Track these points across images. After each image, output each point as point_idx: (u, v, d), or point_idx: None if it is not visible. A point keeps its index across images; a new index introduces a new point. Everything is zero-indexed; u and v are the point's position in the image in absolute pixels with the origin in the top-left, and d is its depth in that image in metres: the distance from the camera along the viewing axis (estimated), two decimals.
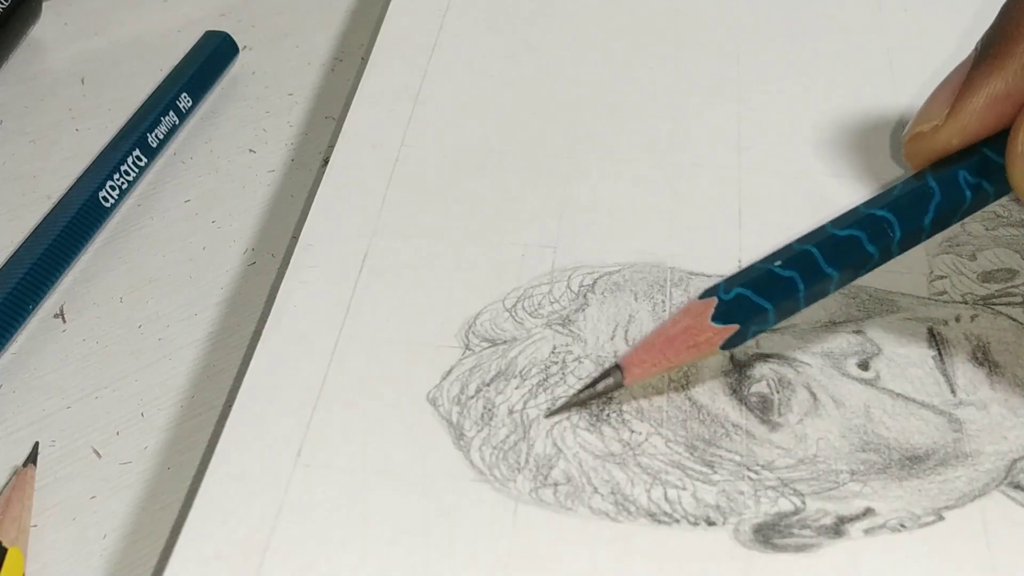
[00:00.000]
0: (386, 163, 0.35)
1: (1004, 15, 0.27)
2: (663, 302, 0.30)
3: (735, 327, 0.26)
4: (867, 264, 0.26)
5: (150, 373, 0.32)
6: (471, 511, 0.26)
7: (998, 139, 0.26)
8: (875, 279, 0.31)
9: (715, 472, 0.26)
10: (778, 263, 0.26)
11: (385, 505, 0.26)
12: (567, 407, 0.27)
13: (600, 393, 0.27)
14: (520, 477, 0.26)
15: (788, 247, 0.27)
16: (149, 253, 0.36)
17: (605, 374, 0.27)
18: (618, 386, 0.27)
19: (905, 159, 0.28)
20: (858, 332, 0.29)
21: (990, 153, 0.26)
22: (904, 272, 0.31)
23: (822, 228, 0.27)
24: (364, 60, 0.40)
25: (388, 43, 0.40)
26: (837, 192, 0.34)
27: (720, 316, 0.26)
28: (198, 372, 0.32)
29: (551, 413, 0.27)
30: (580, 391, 0.27)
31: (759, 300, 0.26)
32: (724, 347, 0.26)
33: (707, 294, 0.26)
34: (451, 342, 0.29)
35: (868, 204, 0.27)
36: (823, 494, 0.26)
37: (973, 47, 0.27)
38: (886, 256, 0.27)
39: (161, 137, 0.39)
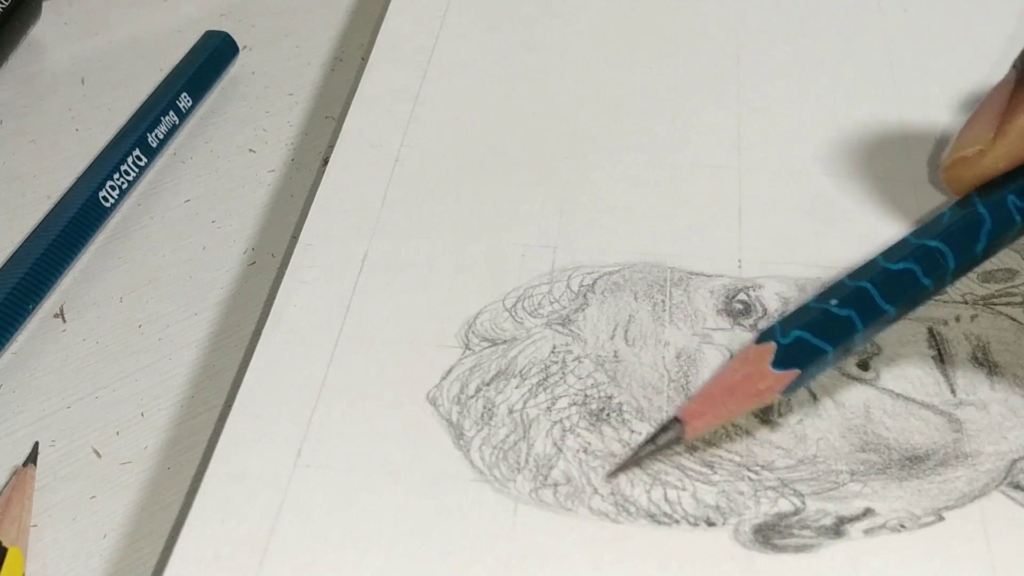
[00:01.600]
0: (386, 163, 0.35)
1: None
2: (663, 302, 0.30)
3: (796, 372, 0.25)
4: (922, 297, 0.26)
5: (150, 373, 0.32)
6: (471, 511, 0.26)
7: None
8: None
9: (715, 472, 0.26)
10: (834, 302, 0.25)
11: (385, 505, 0.26)
12: (627, 466, 0.26)
13: (660, 448, 0.26)
14: (520, 477, 0.26)
15: (840, 284, 0.26)
16: (149, 253, 0.36)
17: (664, 427, 0.25)
18: (678, 440, 0.25)
19: (945, 184, 0.27)
20: None
21: None
22: None
23: (874, 262, 0.26)
24: (364, 60, 0.40)
25: (388, 43, 0.40)
26: (837, 192, 0.34)
27: (780, 361, 0.25)
28: (198, 372, 0.32)
29: (611, 473, 0.26)
30: (640, 447, 0.26)
31: (819, 342, 0.25)
32: (785, 393, 0.25)
33: (764, 338, 0.25)
34: (451, 342, 0.29)
35: (918, 234, 0.26)
36: (823, 494, 0.26)
37: (1011, 65, 0.26)
38: (940, 286, 0.26)
39: (161, 137, 0.39)
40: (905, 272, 0.25)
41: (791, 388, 0.25)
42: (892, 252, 0.26)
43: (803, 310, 0.26)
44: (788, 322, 0.25)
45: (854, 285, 0.25)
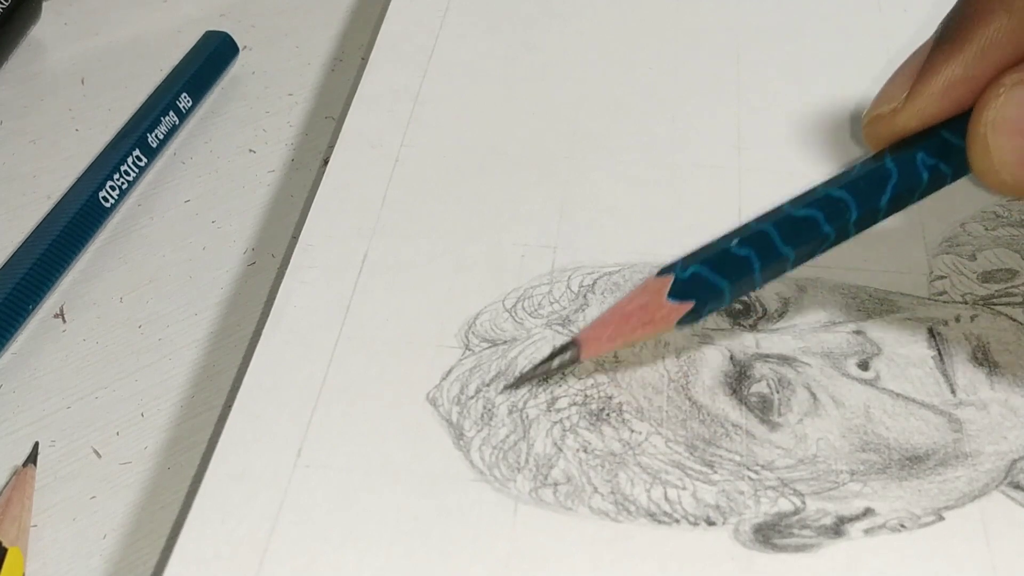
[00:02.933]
0: (386, 163, 0.35)
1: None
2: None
3: (691, 304, 0.26)
4: (824, 244, 0.27)
5: (150, 373, 0.32)
6: (471, 511, 0.26)
7: (956, 121, 0.26)
8: (875, 279, 0.31)
9: (715, 472, 0.26)
10: (735, 241, 0.26)
11: (385, 505, 0.26)
12: (523, 381, 0.28)
13: (556, 368, 0.27)
14: (520, 477, 0.26)
15: (746, 226, 0.27)
16: (149, 253, 0.36)
17: (562, 349, 0.26)
18: (574, 361, 0.27)
19: (864, 140, 0.28)
20: (858, 332, 0.29)
21: (948, 135, 0.26)
22: (904, 272, 0.31)
23: (780, 208, 0.27)
24: (364, 60, 0.40)
25: (388, 43, 0.40)
26: None
27: (676, 293, 0.26)
28: (198, 372, 0.32)
29: (507, 387, 0.28)
30: (536, 365, 0.27)
31: (715, 278, 0.26)
32: (680, 324, 0.26)
33: (664, 272, 0.26)
34: (451, 342, 0.29)
35: (826, 184, 0.27)
36: (823, 494, 0.26)
37: (935, 30, 0.27)
38: (842, 236, 0.27)
39: (161, 137, 0.39)
40: (807, 219, 0.26)
41: (686, 320, 0.26)
42: (798, 199, 0.27)
43: (706, 247, 0.26)
44: (689, 258, 0.26)
45: (757, 227, 0.26)
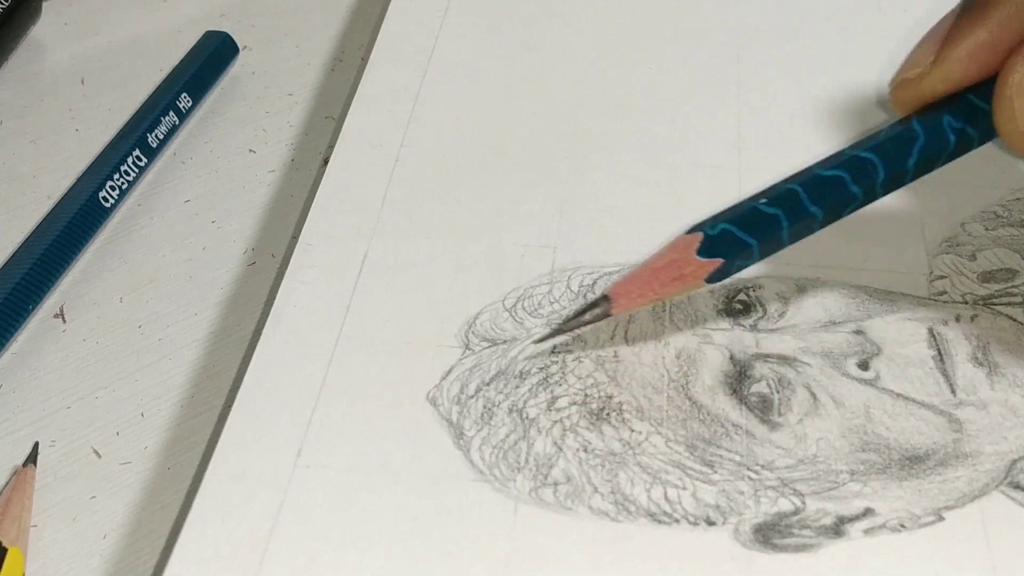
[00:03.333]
0: (386, 163, 0.35)
1: None
2: (663, 302, 0.30)
3: (719, 261, 0.26)
4: (851, 204, 0.27)
5: (150, 373, 0.32)
6: (471, 511, 0.26)
7: (983, 86, 0.27)
8: (875, 279, 0.31)
9: (715, 472, 0.26)
10: (764, 201, 0.27)
11: (385, 505, 0.26)
12: (555, 334, 0.28)
13: (588, 322, 0.27)
14: (520, 477, 0.26)
15: (774, 186, 0.27)
16: (149, 253, 0.36)
17: (593, 304, 0.27)
18: (605, 315, 0.27)
19: (891, 104, 0.28)
20: (858, 332, 0.29)
21: (975, 99, 0.27)
22: (904, 272, 0.31)
23: (808, 168, 0.27)
24: (364, 60, 0.40)
25: (388, 43, 0.40)
26: None
27: (705, 250, 0.26)
28: (198, 372, 0.32)
29: (539, 340, 0.28)
30: (568, 319, 0.27)
31: (744, 236, 0.26)
32: (709, 280, 0.26)
33: (694, 229, 0.26)
34: (451, 342, 0.29)
35: (854, 146, 0.27)
36: (823, 494, 0.26)
37: None
38: (870, 196, 0.27)
39: (161, 137, 0.39)
40: (835, 178, 0.27)
41: (716, 276, 0.26)
42: (826, 161, 0.27)
43: (735, 206, 0.27)
44: (719, 216, 0.27)
45: (785, 187, 0.27)
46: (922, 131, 0.27)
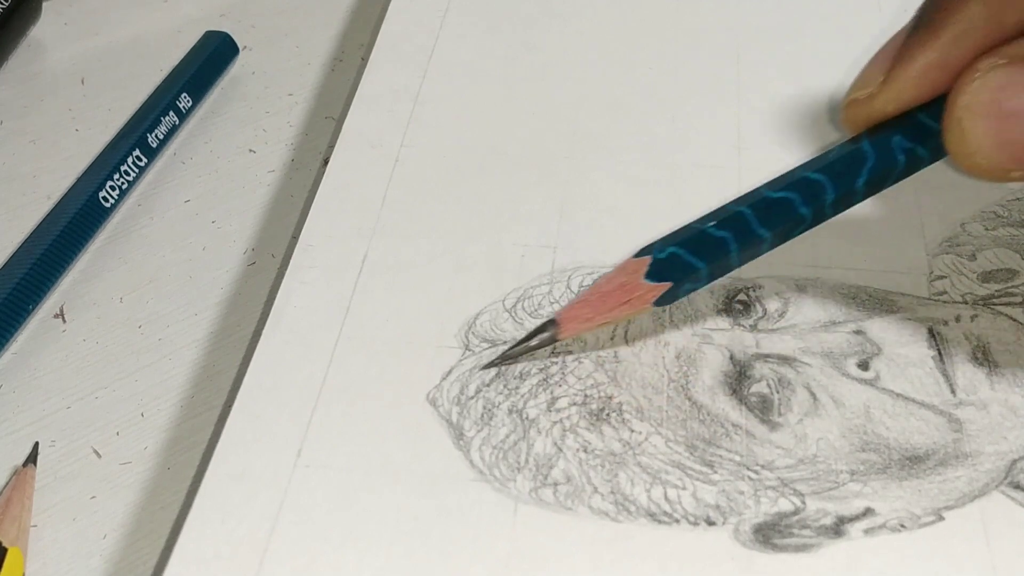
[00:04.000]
0: (386, 163, 0.35)
1: None
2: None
3: (668, 285, 0.26)
4: (800, 225, 0.27)
5: (150, 373, 0.32)
6: (471, 511, 0.26)
7: (933, 105, 0.26)
8: (875, 279, 0.31)
9: (715, 472, 0.26)
10: (712, 223, 0.27)
11: (385, 505, 0.26)
12: (502, 360, 0.28)
13: (535, 347, 0.28)
14: (520, 477, 0.26)
15: (723, 208, 0.27)
16: (149, 253, 0.36)
17: (541, 328, 0.27)
18: (553, 340, 0.27)
19: (842, 123, 0.28)
20: (858, 332, 0.29)
21: (925, 119, 0.27)
22: (904, 272, 0.31)
23: (757, 190, 0.27)
24: (364, 60, 0.40)
25: (388, 43, 0.40)
26: None
27: (654, 274, 0.26)
28: (198, 372, 0.32)
29: (486, 366, 0.28)
30: (515, 344, 0.28)
31: (692, 259, 0.26)
32: (657, 303, 0.27)
33: (642, 252, 0.27)
34: (451, 342, 0.29)
35: (803, 167, 0.27)
36: (823, 494, 0.26)
37: (913, 16, 0.28)
38: (819, 218, 0.27)
39: (161, 137, 0.39)
40: (783, 200, 0.27)
41: (664, 299, 0.27)
42: (775, 182, 0.27)
43: (684, 229, 0.27)
44: (667, 239, 0.27)
45: (734, 209, 0.27)
46: (872, 152, 0.27)
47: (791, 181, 0.27)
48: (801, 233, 0.27)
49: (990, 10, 0.25)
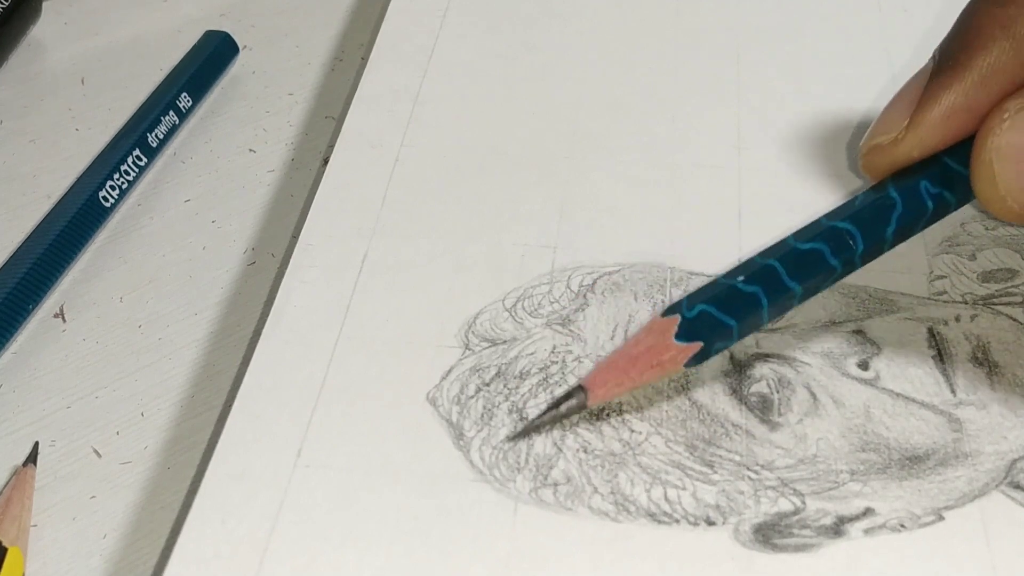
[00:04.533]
0: (386, 163, 0.35)
1: (962, 23, 0.26)
2: (663, 302, 0.30)
3: (699, 345, 0.25)
4: (830, 277, 0.26)
5: (150, 373, 0.32)
6: (471, 511, 0.26)
7: (959, 148, 0.26)
8: (875, 279, 0.31)
9: (715, 472, 0.26)
10: (741, 278, 0.26)
11: (385, 505, 0.26)
12: (530, 430, 0.27)
13: (563, 415, 0.26)
14: (520, 477, 0.26)
15: (751, 261, 0.26)
16: (149, 253, 0.36)
17: (568, 395, 0.26)
18: (581, 407, 0.26)
19: (862, 169, 0.28)
20: (858, 332, 0.29)
21: (951, 163, 0.26)
22: (904, 272, 0.31)
23: (784, 241, 0.26)
24: (364, 60, 0.40)
25: (388, 43, 0.40)
26: (837, 192, 0.34)
27: (684, 334, 0.25)
28: (198, 372, 0.32)
29: (512, 437, 0.27)
30: (542, 413, 0.26)
31: (723, 317, 0.25)
32: (688, 365, 0.25)
33: (669, 311, 0.26)
34: (451, 342, 0.29)
35: (830, 216, 0.26)
36: (823, 494, 0.26)
37: (931, 55, 0.27)
38: (849, 268, 0.26)
39: (161, 137, 0.39)
40: (813, 252, 0.26)
41: (695, 360, 0.25)
42: (803, 232, 0.26)
43: (711, 285, 0.26)
44: (695, 296, 0.26)
45: (762, 263, 0.26)
46: (900, 198, 0.26)
47: (819, 232, 0.26)
48: (830, 285, 0.26)
49: (1017, 49, 0.24)
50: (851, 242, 0.26)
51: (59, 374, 0.32)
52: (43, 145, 0.40)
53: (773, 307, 0.26)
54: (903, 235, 0.27)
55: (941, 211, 0.27)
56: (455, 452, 0.27)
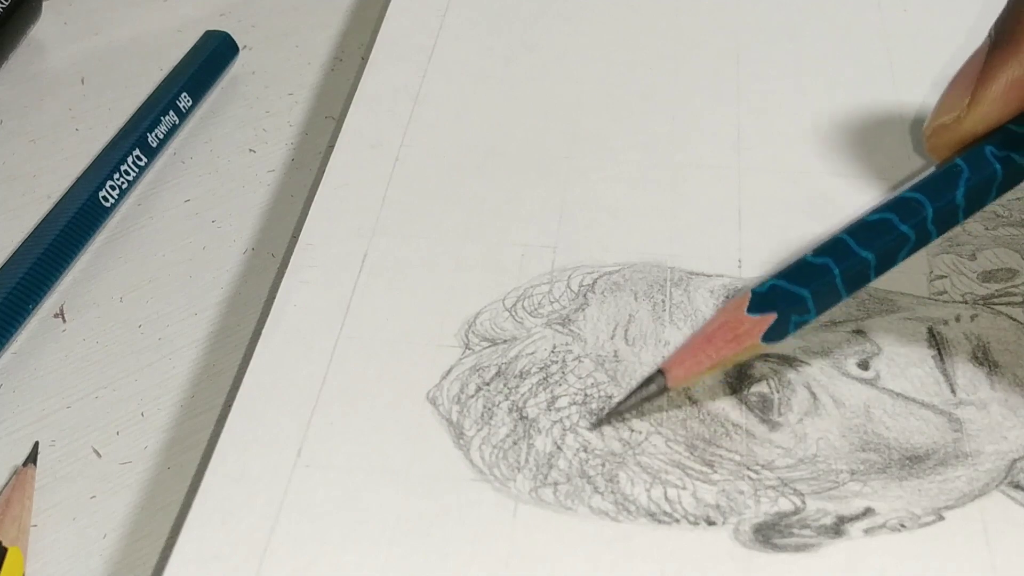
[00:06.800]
0: (386, 163, 0.35)
1: (1015, 1, 0.27)
2: (663, 302, 0.30)
3: (773, 315, 0.26)
4: (904, 245, 0.26)
5: (150, 373, 0.32)
6: (471, 511, 0.26)
7: (1021, 118, 0.26)
8: (875, 279, 0.31)
9: (715, 471, 0.26)
10: (810, 253, 0.26)
11: (385, 505, 0.26)
12: (612, 417, 0.27)
13: (645, 399, 0.27)
14: (520, 476, 0.26)
15: (819, 242, 0.27)
16: (149, 253, 0.36)
17: (647, 380, 0.26)
18: (661, 391, 0.26)
19: (928, 152, 0.28)
20: (858, 332, 0.29)
21: (1015, 128, 0.27)
22: (904, 272, 0.31)
23: (853, 221, 0.27)
24: (364, 60, 0.40)
25: (388, 43, 0.40)
26: (837, 192, 0.34)
27: (755, 306, 0.26)
28: (198, 372, 0.32)
29: (596, 425, 0.27)
30: (623, 399, 0.27)
31: (793, 287, 0.26)
32: (766, 339, 0.26)
33: (742, 292, 0.26)
34: (451, 342, 0.29)
35: (896, 192, 0.27)
36: (823, 494, 0.26)
37: (987, 34, 0.27)
38: (923, 235, 0.26)
39: (161, 137, 0.39)
40: (881, 221, 0.26)
41: (774, 334, 0.26)
42: (870, 210, 0.27)
43: (782, 266, 0.27)
44: (768, 277, 0.26)
45: (832, 238, 0.26)
46: (966, 165, 0.27)
47: (886, 204, 0.26)
48: (907, 256, 0.27)
49: None
50: (919, 208, 0.26)
51: (59, 374, 0.32)
52: (43, 145, 0.40)
53: (846, 276, 0.26)
54: (976, 201, 0.27)
55: (1013, 174, 0.27)
56: (455, 451, 0.27)
